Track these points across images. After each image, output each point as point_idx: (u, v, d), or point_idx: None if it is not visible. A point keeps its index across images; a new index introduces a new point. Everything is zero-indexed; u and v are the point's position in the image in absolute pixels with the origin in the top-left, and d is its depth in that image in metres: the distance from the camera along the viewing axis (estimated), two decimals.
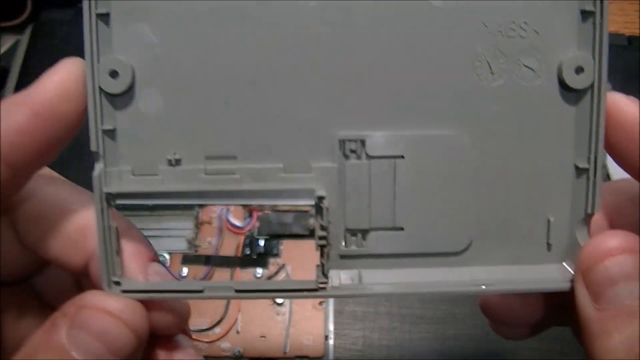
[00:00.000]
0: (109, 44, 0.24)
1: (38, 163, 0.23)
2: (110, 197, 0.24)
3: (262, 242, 0.57)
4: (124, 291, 0.24)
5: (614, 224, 0.27)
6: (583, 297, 0.23)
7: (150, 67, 0.24)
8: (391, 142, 0.25)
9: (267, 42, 0.24)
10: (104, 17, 0.24)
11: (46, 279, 0.28)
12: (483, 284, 0.25)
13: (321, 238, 0.25)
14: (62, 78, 0.23)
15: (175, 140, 0.24)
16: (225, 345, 0.54)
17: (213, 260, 0.57)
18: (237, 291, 0.24)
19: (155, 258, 0.26)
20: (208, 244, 0.58)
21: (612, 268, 0.22)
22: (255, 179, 0.25)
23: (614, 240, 0.23)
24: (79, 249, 0.24)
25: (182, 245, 0.57)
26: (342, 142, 0.25)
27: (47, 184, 0.25)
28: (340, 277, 0.25)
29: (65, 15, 0.66)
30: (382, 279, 0.25)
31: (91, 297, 0.23)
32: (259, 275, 0.56)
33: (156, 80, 0.24)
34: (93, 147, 0.24)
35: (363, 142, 0.25)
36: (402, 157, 0.25)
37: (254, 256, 0.57)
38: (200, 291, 0.24)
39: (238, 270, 0.57)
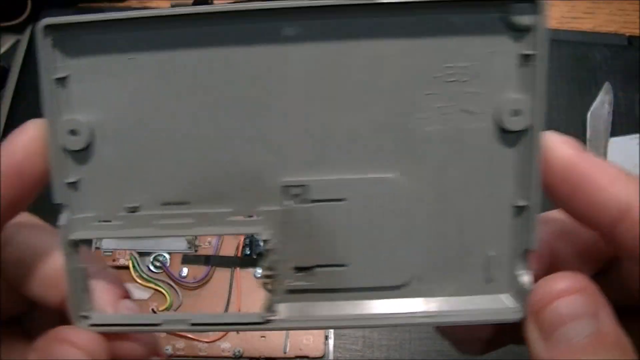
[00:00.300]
0: (68, 104, 0.26)
1: (8, 217, 0.26)
2: (74, 244, 0.26)
3: (262, 242, 0.57)
4: (92, 325, 0.26)
5: (553, 256, 0.28)
6: (534, 337, 0.24)
7: (108, 122, 0.26)
8: (332, 187, 0.26)
9: (213, 96, 0.26)
10: (63, 80, 0.25)
11: (36, 316, 0.30)
12: (424, 316, 0.26)
13: (266, 277, 0.26)
14: (26, 140, 0.25)
15: (133, 189, 0.26)
16: (225, 345, 0.54)
17: (213, 260, 0.57)
18: (192, 324, 0.26)
19: (127, 295, 0.28)
20: (208, 243, 0.58)
21: (562, 309, 0.23)
22: (206, 224, 0.26)
23: (564, 282, 0.24)
24: (56, 288, 0.26)
25: (182, 245, 0.57)
26: (286, 188, 0.26)
27: (27, 230, 0.27)
28: (289, 310, 0.27)
29: (65, 14, 0.66)
30: (327, 311, 0.27)
31: (60, 331, 0.25)
32: (258, 275, 0.56)
33: (114, 134, 0.26)
34: (57, 200, 0.26)
35: (305, 187, 0.26)
36: (344, 199, 0.26)
37: (254, 256, 0.57)
38: (159, 324, 0.26)
39: (238, 270, 0.57)
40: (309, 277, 0.27)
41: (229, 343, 0.54)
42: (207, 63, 0.25)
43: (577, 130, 0.63)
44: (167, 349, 0.53)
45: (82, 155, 0.26)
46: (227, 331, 0.22)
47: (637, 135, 0.63)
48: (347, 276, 0.27)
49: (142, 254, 0.57)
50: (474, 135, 0.26)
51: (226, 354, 0.54)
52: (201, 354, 0.54)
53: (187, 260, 0.57)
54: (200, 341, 0.54)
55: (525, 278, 0.26)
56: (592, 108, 0.63)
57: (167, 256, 0.57)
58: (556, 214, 0.28)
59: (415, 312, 0.27)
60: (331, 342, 0.54)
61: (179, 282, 0.56)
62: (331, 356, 0.54)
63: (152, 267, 0.57)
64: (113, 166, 0.26)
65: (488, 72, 0.25)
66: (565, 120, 0.63)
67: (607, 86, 0.64)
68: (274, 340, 0.54)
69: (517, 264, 0.26)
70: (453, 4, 0.24)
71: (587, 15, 0.71)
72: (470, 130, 0.26)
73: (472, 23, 0.25)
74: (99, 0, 0.68)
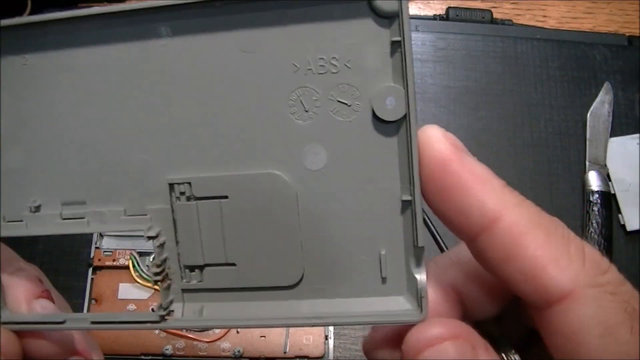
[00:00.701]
0: None
1: None
2: None
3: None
4: (3, 322, 0.27)
5: (463, 296, 0.26)
6: None
7: (11, 126, 0.27)
8: (214, 184, 0.26)
9: (103, 97, 0.26)
10: None
11: None
12: (316, 318, 0.26)
13: (156, 274, 0.27)
14: None
15: (35, 189, 0.28)
16: (225, 345, 0.54)
17: None
18: (92, 322, 0.27)
19: (44, 295, 0.29)
20: None
21: (432, 357, 0.23)
22: (101, 222, 0.27)
23: (434, 329, 0.23)
24: None
25: None
26: (171, 186, 0.27)
27: None
28: (184, 309, 0.27)
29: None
30: (221, 312, 0.27)
31: None
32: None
33: (16, 137, 0.27)
34: None
35: (190, 185, 0.26)
36: (226, 197, 0.26)
37: None
38: (62, 322, 0.27)
39: None
40: (200, 276, 0.27)
41: (228, 343, 0.54)
42: (94, 65, 0.26)
43: (577, 130, 0.63)
44: (167, 349, 0.53)
45: None
46: (125, 329, 0.23)
47: (637, 135, 0.63)
48: (238, 275, 0.27)
49: (142, 254, 0.57)
50: (353, 127, 0.25)
51: (226, 354, 0.54)
52: (201, 353, 0.54)
53: None
54: (201, 341, 0.54)
55: (419, 278, 0.25)
56: (592, 108, 0.63)
57: None
58: (464, 253, 0.26)
59: (307, 313, 0.26)
60: (331, 342, 0.54)
61: None
62: (331, 356, 0.54)
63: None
64: (17, 167, 0.27)
65: (359, 61, 0.24)
66: (565, 120, 0.63)
67: (607, 86, 0.64)
68: (273, 341, 0.54)
69: (410, 263, 0.25)
70: None
71: (587, 15, 0.71)
72: (348, 122, 0.25)
73: (337, 12, 0.24)
74: (98, 0, 0.68)
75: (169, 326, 0.27)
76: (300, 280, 0.26)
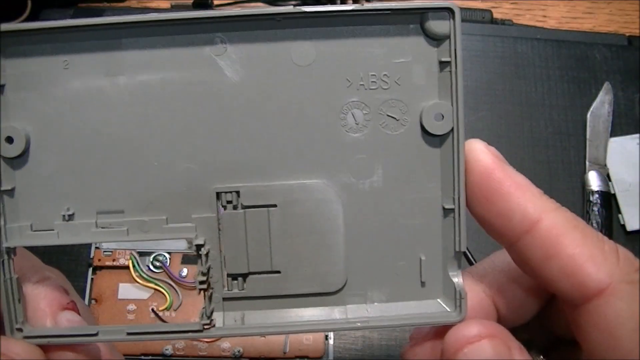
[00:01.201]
0: (6, 111, 0.26)
1: None
2: (10, 251, 0.26)
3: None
4: (26, 337, 0.26)
5: (497, 304, 0.28)
6: None
7: (44, 131, 0.26)
8: (263, 193, 0.27)
9: (148, 106, 0.26)
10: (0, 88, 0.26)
11: None
12: (359, 322, 0.27)
13: (202, 283, 0.27)
14: None
15: (69, 197, 0.27)
16: (225, 345, 0.54)
17: None
18: (128, 334, 0.26)
19: (69, 307, 0.28)
20: None
21: (471, 355, 0.24)
22: (142, 230, 0.27)
23: (472, 328, 0.24)
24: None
25: (182, 245, 0.57)
26: (219, 194, 0.27)
27: None
28: (224, 318, 0.27)
29: (64, 15, 0.66)
30: (263, 319, 0.27)
31: None
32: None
33: (50, 143, 0.26)
34: None
35: (238, 194, 0.26)
36: (275, 205, 0.26)
37: None
38: (95, 334, 0.26)
39: None
40: (243, 284, 0.27)
41: (228, 343, 0.54)
42: (140, 70, 0.25)
43: (577, 130, 0.63)
44: (167, 349, 0.53)
45: (18, 161, 0.26)
46: (164, 340, 0.23)
47: (637, 135, 0.62)
48: (281, 283, 0.27)
49: (142, 254, 0.57)
50: (400, 139, 0.26)
51: (226, 354, 0.54)
52: (201, 353, 0.54)
53: (187, 260, 0.57)
54: (201, 341, 0.53)
55: (457, 281, 0.26)
56: (592, 108, 0.63)
57: (167, 256, 0.57)
58: (501, 258, 0.28)
59: (350, 318, 0.27)
60: (331, 342, 0.54)
61: (179, 281, 0.56)
62: (331, 356, 0.53)
63: (152, 267, 0.56)
64: (49, 174, 0.26)
65: (408, 79, 0.26)
66: (565, 120, 0.63)
67: (607, 86, 0.64)
68: (273, 341, 0.54)
69: (449, 267, 0.26)
70: (372, 13, 0.25)
71: (587, 15, 0.71)
72: (396, 135, 0.26)
73: (390, 32, 0.25)
74: (98, 0, 0.68)
75: (212, 335, 0.27)
76: (343, 286, 0.27)
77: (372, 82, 0.26)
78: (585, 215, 0.60)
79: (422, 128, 0.26)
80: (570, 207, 0.62)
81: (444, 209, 0.26)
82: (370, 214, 0.27)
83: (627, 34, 0.69)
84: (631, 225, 0.59)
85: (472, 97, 0.64)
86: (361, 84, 0.26)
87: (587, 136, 0.62)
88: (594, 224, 0.59)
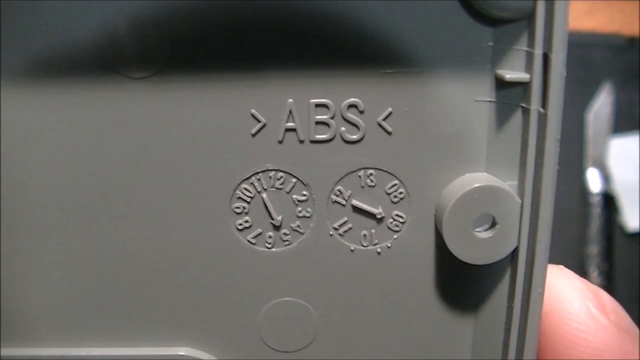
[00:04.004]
0: None
1: None
2: None
3: None
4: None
5: None
6: None
7: None
8: None
9: None
10: None
11: None
12: None
13: None
14: None
15: None
16: None
17: None
18: None
19: None
20: None
21: None
22: None
23: None
24: None
25: None
26: None
27: None
28: None
29: None
30: None
31: None
32: None
33: None
34: None
35: None
36: None
37: None
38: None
39: None
40: None
41: None
42: None
43: (577, 130, 0.62)
44: None
45: None
46: None
47: (638, 135, 0.61)
48: None
49: None
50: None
51: None
52: None
53: None
54: None
55: None
56: (592, 108, 0.62)
57: None
58: None
59: None
60: None
61: None
62: None
63: None
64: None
65: None
66: (565, 120, 0.62)
67: (607, 86, 0.63)
68: None
69: None
70: None
71: (587, 16, 0.70)
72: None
73: None
74: None
75: None
76: None
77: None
78: (585, 215, 0.59)
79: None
80: (570, 208, 0.60)
81: None
82: None
83: (627, 34, 0.67)
84: (631, 225, 0.58)
85: None
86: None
87: (587, 136, 0.61)
88: (594, 224, 0.58)
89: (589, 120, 0.62)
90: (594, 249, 0.58)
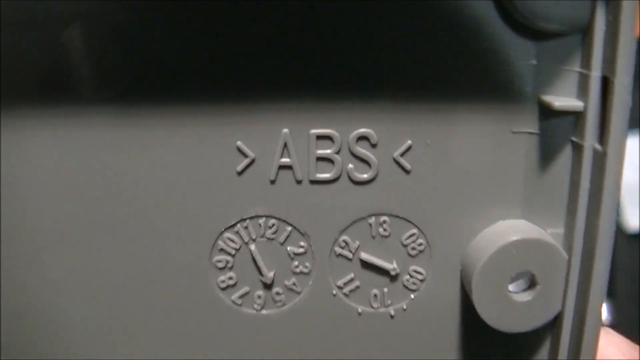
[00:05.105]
0: None
1: None
2: None
3: None
4: None
5: None
6: None
7: None
8: None
9: None
10: None
11: None
12: None
13: None
14: None
15: None
16: None
17: None
18: None
19: None
20: None
21: None
22: None
23: None
24: None
25: None
26: None
27: None
28: None
29: None
30: None
31: None
32: None
33: None
34: None
35: None
36: None
37: None
38: None
39: None
40: None
41: None
42: None
43: None
44: None
45: None
46: None
47: (638, 135, 0.57)
48: None
49: None
50: None
51: None
52: None
53: None
54: None
55: None
56: None
57: None
58: None
59: None
60: None
61: None
62: None
63: None
64: None
65: None
66: None
67: None
68: None
69: None
70: None
71: None
72: None
73: None
74: None
75: None
76: None
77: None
78: None
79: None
80: None
81: None
82: None
83: None
84: (632, 225, 0.56)
85: None
86: None
87: None
88: None
89: None
90: None
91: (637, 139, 0.58)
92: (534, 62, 0.14)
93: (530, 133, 0.15)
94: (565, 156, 0.14)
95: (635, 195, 0.57)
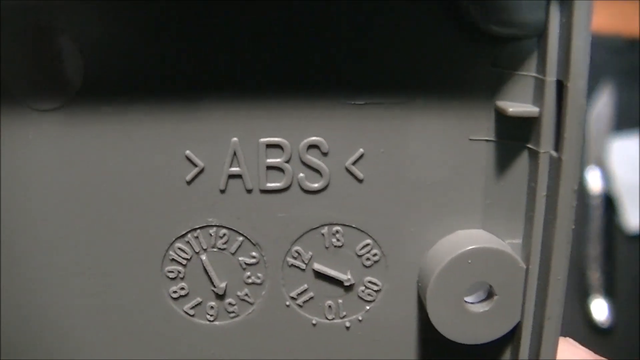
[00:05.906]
0: None
1: None
2: None
3: None
4: None
5: None
6: None
7: None
8: None
9: None
10: None
11: None
12: None
13: None
14: None
15: None
16: None
17: None
18: None
19: None
20: None
21: None
22: None
23: None
24: None
25: None
26: None
27: None
28: None
29: None
30: None
31: None
32: None
33: None
34: None
35: None
36: None
37: None
38: None
39: None
40: None
41: None
42: None
43: None
44: None
45: None
46: None
47: (638, 135, 0.59)
48: None
49: None
50: None
51: None
52: None
53: None
54: None
55: None
56: (592, 108, 0.60)
57: None
58: None
59: None
60: None
61: None
62: None
63: None
64: None
65: None
66: None
67: (607, 87, 0.60)
68: None
69: None
70: None
71: None
72: None
73: None
74: None
75: None
76: None
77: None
78: (585, 216, 0.56)
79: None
80: None
81: None
82: None
83: (627, 35, 0.65)
84: (632, 225, 0.56)
85: None
86: None
87: (587, 136, 0.58)
88: (594, 225, 0.56)
89: (590, 121, 0.59)
90: (594, 250, 0.56)
91: (637, 139, 0.59)
92: (490, 67, 0.13)
93: (488, 140, 0.14)
94: (523, 163, 0.14)
95: (635, 195, 0.57)
